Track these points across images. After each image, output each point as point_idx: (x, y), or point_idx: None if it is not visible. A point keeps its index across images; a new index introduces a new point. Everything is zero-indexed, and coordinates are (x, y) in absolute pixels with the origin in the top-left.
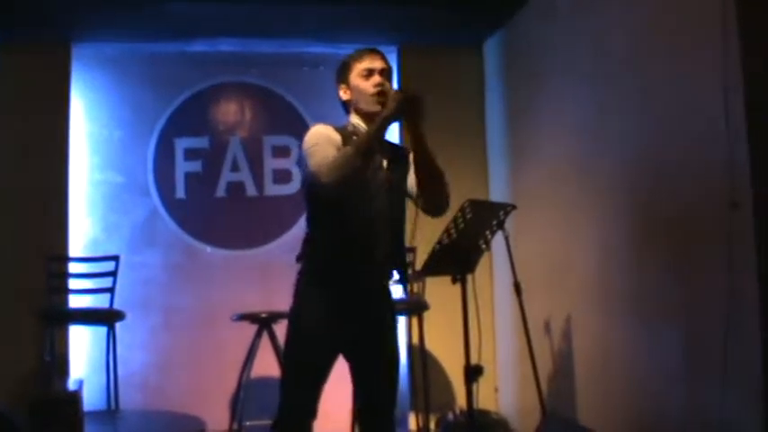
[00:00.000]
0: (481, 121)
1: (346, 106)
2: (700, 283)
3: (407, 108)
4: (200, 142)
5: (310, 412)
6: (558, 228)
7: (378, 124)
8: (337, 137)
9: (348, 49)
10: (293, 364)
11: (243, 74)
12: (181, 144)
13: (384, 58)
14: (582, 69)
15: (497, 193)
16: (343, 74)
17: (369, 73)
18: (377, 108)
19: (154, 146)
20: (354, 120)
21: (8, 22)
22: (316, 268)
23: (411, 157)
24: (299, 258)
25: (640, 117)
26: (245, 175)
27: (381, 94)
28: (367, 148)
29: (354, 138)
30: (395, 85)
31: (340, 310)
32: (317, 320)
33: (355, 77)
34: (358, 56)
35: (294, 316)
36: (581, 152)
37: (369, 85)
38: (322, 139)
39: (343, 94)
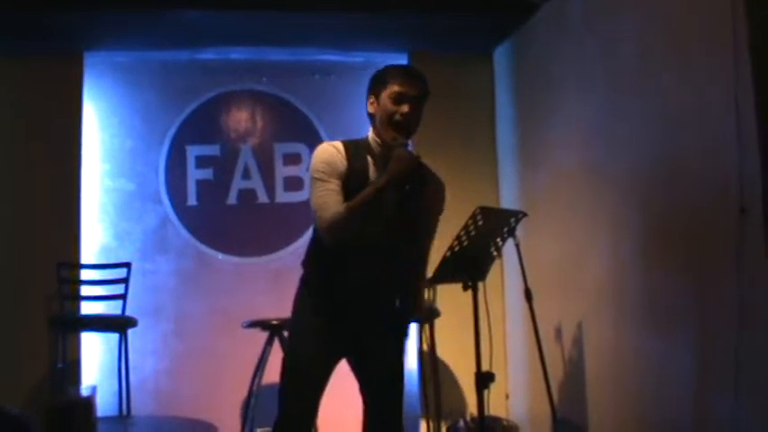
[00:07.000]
0: (491, 128)
1: (370, 118)
2: (711, 290)
3: (413, 176)
4: (212, 150)
5: (308, 421)
6: (568, 234)
7: (378, 186)
8: (343, 165)
9: (359, 57)
10: (290, 372)
11: (254, 82)
12: (192, 152)
13: (423, 86)
14: (592, 76)
15: (508, 200)
16: (375, 86)
17: (400, 98)
18: (387, 135)
19: (165, 153)
20: (371, 136)
21: (22, 30)
22: (309, 279)
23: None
24: (303, 263)
25: (651, 123)
26: (256, 183)
27: (399, 125)
28: (362, 209)
29: (360, 174)
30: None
31: (332, 321)
32: (310, 330)
33: (386, 96)
34: (397, 75)
35: (290, 324)
36: (591, 158)
37: (395, 111)
38: (325, 172)
39: (370, 107)
